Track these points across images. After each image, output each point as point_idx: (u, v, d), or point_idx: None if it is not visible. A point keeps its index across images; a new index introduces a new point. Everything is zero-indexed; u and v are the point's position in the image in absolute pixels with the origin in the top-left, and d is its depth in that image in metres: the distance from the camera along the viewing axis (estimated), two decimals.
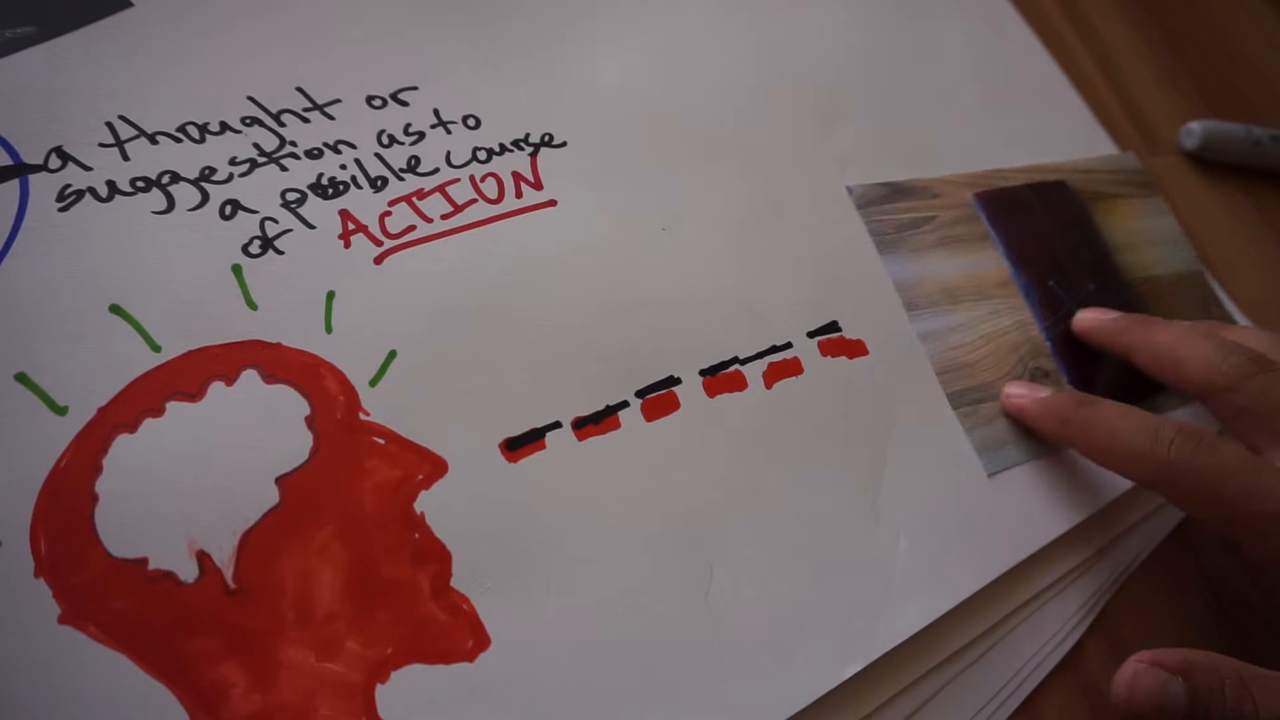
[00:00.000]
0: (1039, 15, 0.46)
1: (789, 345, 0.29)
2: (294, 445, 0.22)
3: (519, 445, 0.24)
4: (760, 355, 0.28)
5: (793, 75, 0.35)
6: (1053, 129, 0.39)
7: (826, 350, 0.29)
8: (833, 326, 0.30)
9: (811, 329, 0.29)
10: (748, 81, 0.34)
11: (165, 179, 0.24)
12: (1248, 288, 0.42)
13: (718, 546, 0.25)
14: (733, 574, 0.25)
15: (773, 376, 0.28)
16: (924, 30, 0.39)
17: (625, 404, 0.26)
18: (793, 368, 0.28)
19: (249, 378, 0.22)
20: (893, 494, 0.28)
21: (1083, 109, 0.41)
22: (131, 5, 0.26)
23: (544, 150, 0.29)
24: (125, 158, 0.24)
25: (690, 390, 0.27)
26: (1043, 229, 0.35)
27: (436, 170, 0.27)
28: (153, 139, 0.25)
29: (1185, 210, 0.43)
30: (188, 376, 0.22)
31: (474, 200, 0.27)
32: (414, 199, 0.27)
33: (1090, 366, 0.33)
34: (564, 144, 0.30)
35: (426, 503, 0.22)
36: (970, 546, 0.28)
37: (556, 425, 0.25)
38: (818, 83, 0.35)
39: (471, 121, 0.29)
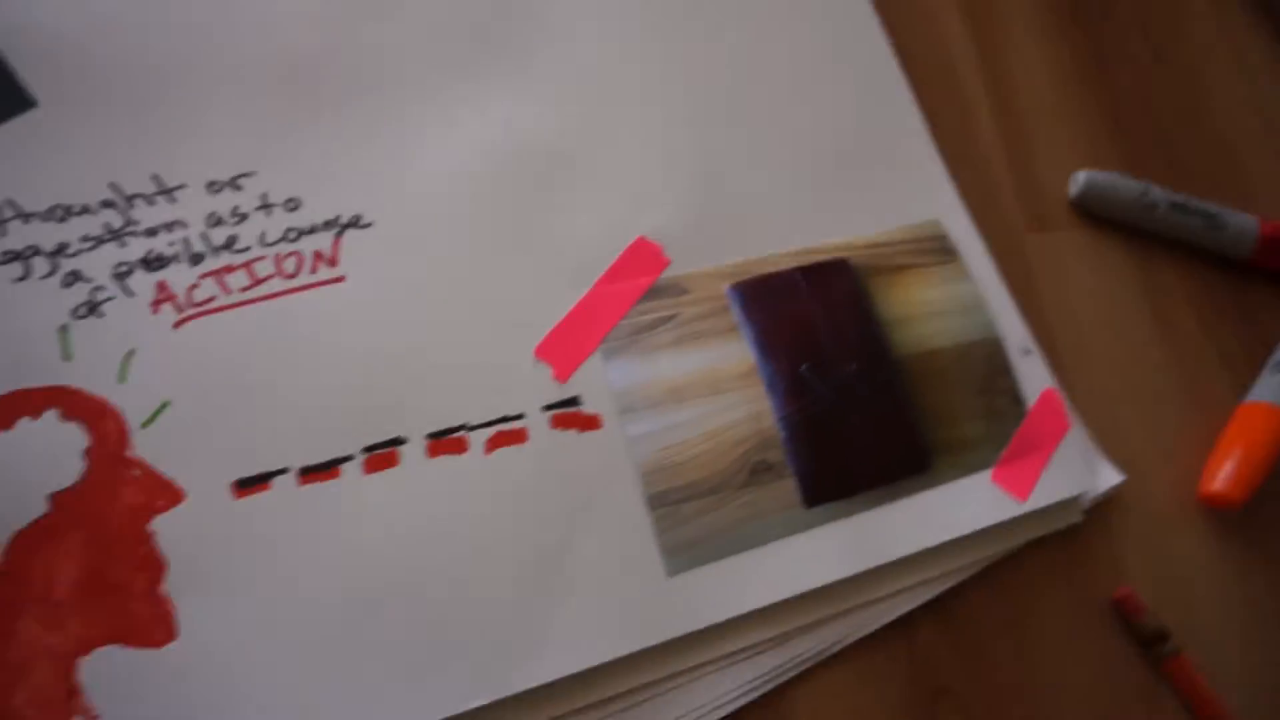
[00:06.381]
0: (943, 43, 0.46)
1: (521, 416, 0.34)
2: (71, 470, 0.30)
3: (247, 485, 0.31)
4: (491, 423, 0.34)
5: (612, 158, 0.39)
6: (901, 198, 0.41)
7: (558, 423, 0.34)
8: (573, 401, 0.35)
9: (550, 402, 0.35)
10: (564, 168, 0.38)
11: (29, 253, 0.33)
12: (1097, 364, 0.42)
13: (398, 582, 0.32)
14: (405, 608, 0.31)
15: (495, 443, 0.34)
16: (775, 90, 0.41)
17: (350, 457, 0.33)
18: (517, 436, 0.34)
19: (50, 415, 0.31)
20: (577, 561, 0.33)
21: (942, 174, 0.42)
22: (37, 105, 0.34)
23: (350, 230, 0.35)
24: (3, 234, 0.33)
25: (412, 449, 0.33)
26: (806, 313, 0.37)
27: (249, 248, 0.34)
28: (27, 219, 0.33)
29: (1053, 267, 0.43)
30: (4, 412, 0.31)
31: (272, 275, 0.34)
32: (223, 273, 0.34)
33: (822, 457, 0.36)
34: (370, 224, 0.36)
35: (160, 524, 0.30)
36: (632, 619, 0.33)
37: (283, 471, 0.32)
38: (640, 162, 0.39)
39: (292, 204, 0.35)
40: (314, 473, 0.32)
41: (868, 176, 0.41)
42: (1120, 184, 0.44)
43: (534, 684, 0.31)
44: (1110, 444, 0.41)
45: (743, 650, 0.34)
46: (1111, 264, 0.44)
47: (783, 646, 0.35)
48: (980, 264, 0.41)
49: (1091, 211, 0.45)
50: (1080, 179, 0.44)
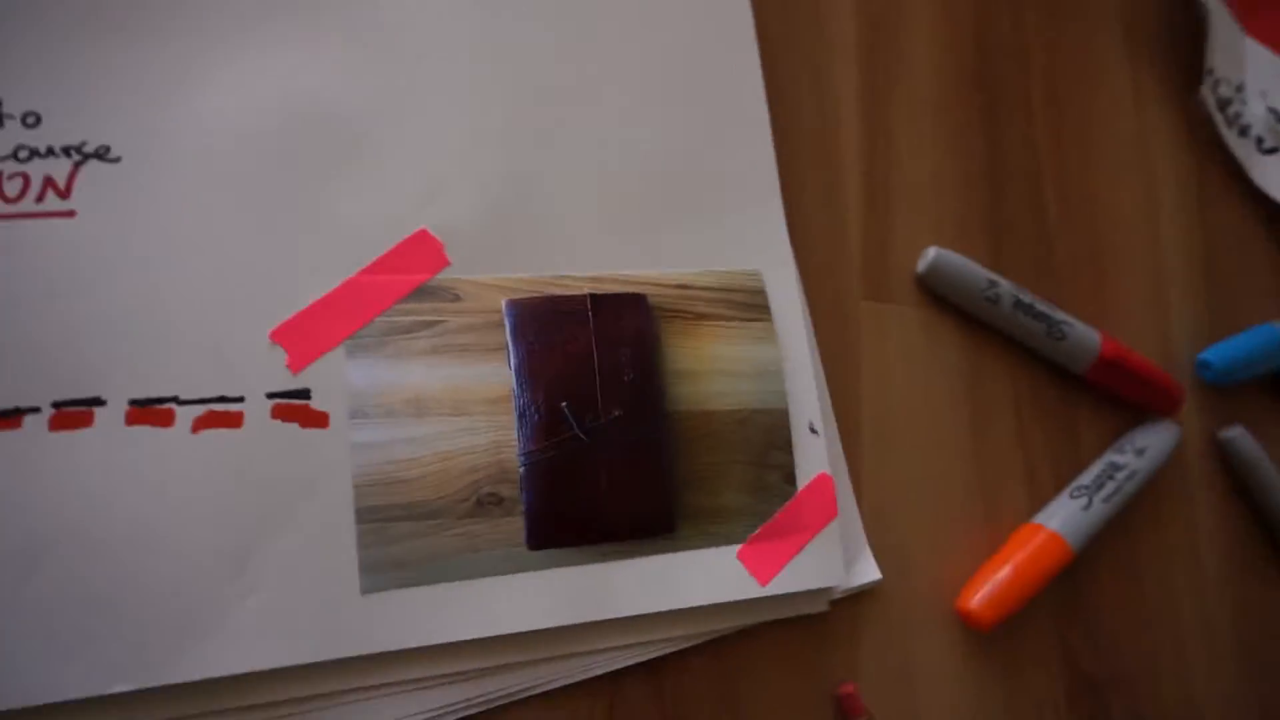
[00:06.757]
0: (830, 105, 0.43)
1: (241, 399, 0.32)
2: None
3: None
4: (205, 401, 0.32)
5: (411, 137, 0.35)
6: (727, 242, 0.38)
7: (279, 414, 0.32)
8: (303, 393, 0.33)
9: (276, 390, 0.32)
10: (354, 140, 0.35)
11: None
12: (898, 450, 0.40)
13: (65, 551, 0.29)
14: (67, 579, 0.29)
15: (205, 423, 0.31)
16: (618, 97, 0.38)
17: (36, 409, 0.30)
18: (232, 420, 0.32)
19: None
20: (268, 560, 0.31)
21: (780, 224, 0.40)
22: None
23: (92, 161, 0.32)
24: None
25: (110, 413, 0.31)
26: (584, 346, 0.35)
27: None
28: None
29: (881, 340, 0.41)
30: None
31: None
32: None
33: (558, 501, 0.34)
34: (118, 160, 0.32)
35: None
36: (314, 630, 0.31)
37: None
38: (441, 146, 0.36)
39: (31, 119, 0.32)
40: None
41: (698, 211, 0.38)
42: (969, 269, 0.41)
43: (193, 678, 0.29)
44: (884, 536, 0.39)
45: (430, 678, 0.33)
46: (942, 349, 0.42)
47: (476, 681, 0.34)
48: (794, 328, 0.38)
49: (935, 292, 0.42)
50: (930, 255, 0.42)
